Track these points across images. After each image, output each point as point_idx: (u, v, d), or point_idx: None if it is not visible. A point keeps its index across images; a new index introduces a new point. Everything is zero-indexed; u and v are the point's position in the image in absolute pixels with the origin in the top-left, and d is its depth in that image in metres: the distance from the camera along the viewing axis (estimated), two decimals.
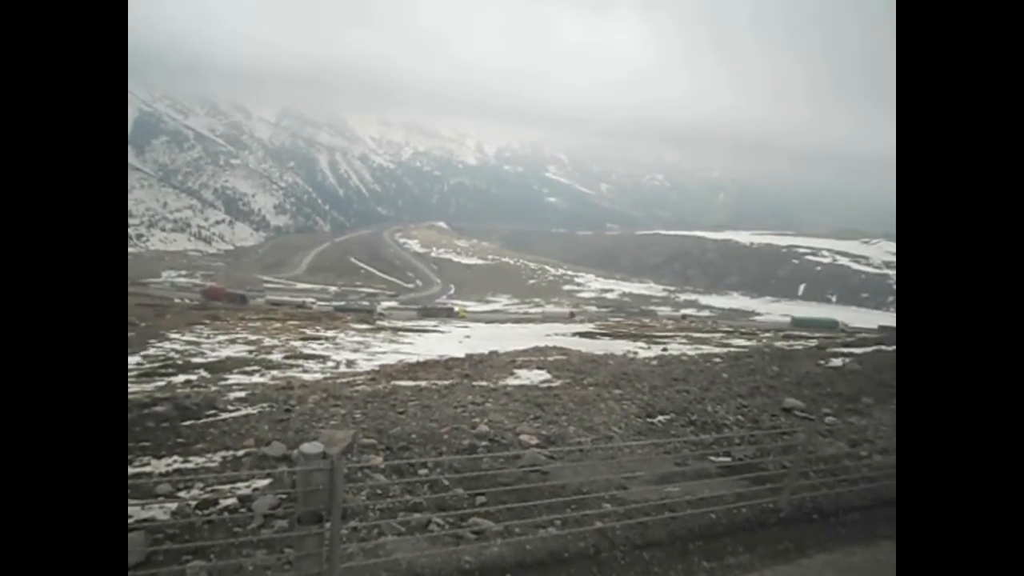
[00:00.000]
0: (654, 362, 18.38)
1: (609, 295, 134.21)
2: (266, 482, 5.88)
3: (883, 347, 19.73)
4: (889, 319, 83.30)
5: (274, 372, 20.41)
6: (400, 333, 42.70)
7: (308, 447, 3.71)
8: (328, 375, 19.77)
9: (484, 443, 7.30)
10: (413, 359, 22.65)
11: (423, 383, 12.53)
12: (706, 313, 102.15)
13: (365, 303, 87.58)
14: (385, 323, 53.41)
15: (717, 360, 17.55)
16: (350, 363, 24.58)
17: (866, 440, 8.78)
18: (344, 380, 15.45)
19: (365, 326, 46.47)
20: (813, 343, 28.32)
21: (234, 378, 18.84)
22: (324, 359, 25.59)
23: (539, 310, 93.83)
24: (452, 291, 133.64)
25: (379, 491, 5.71)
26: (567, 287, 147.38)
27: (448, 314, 77.81)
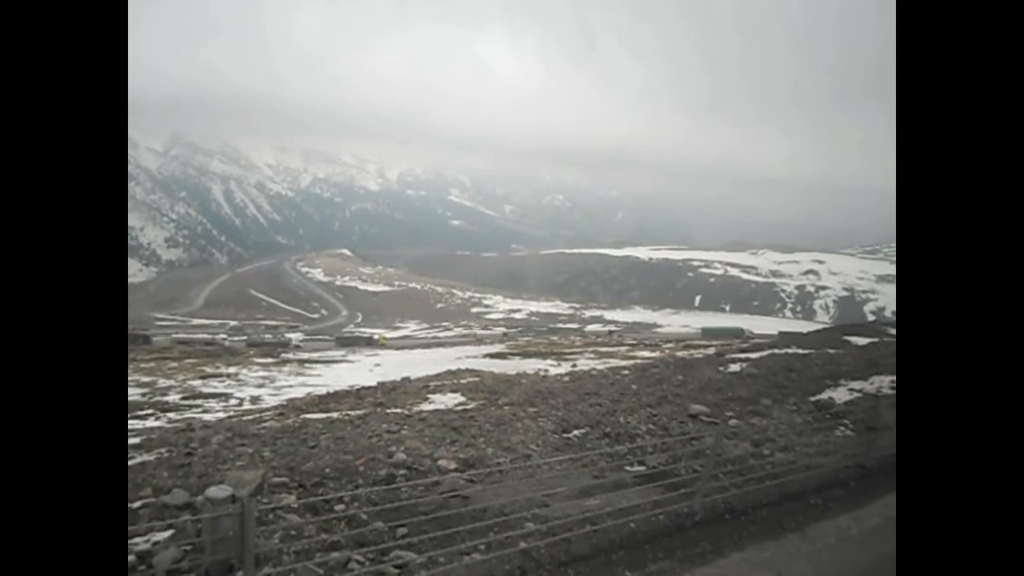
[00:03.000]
0: (566, 378, 18.66)
1: (517, 315, 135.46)
2: (167, 534, 5.45)
3: (775, 351, 20.98)
4: (785, 325, 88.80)
5: (171, 414, 19.11)
6: (307, 365, 41.22)
7: (214, 491, 3.49)
8: (232, 413, 18.74)
9: (402, 472, 7.12)
10: (323, 391, 21.88)
11: (335, 414, 12.10)
12: (622, 328, 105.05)
13: (282, 336, 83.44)
14: (290, 355, 51.33)
15: (625, 372, 18.04)
16: (255, 399, 23.45)
17: (768, 439, 9.26)
18: (250, 417, 14.69)
19: (270, 360, 44.52)
20: (712, 351, 29.70)
21: None
22: (226, 397, 24.28)
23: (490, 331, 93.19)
24: (359, 319, 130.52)
25: (293, 532, 5.43)
26: (475, 309, 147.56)
27: (368, 343, 75.75)
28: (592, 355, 39.57)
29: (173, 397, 23.86)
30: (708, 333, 79.34)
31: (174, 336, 77.34)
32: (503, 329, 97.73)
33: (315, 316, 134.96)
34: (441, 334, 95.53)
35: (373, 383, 21.09)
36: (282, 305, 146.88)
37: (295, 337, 79.04)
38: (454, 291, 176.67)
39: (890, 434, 9.09)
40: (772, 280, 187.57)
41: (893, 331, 26.75)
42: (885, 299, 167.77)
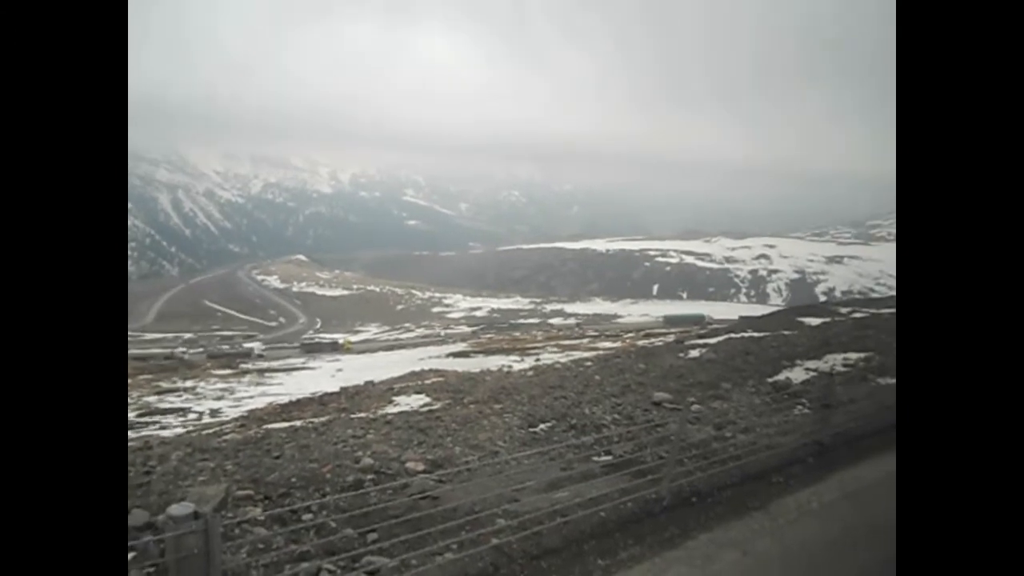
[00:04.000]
0: (530, 373, 18.74)
1: (478, 313, 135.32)
2: (129, 557, 5.30)
3: (733, 335, 21.45)
4: (741, 310, 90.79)
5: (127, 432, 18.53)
6: (268, 374, 40.46)
7: (176, 509, 3.40)
8: (191, 428, 18.28)
9: (370, 477, 7.06)
10: (285, 399, 21.52)
11: (298, 423, 11.91)
12: (583, 320, 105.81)
13: (241, 345, 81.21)
14: (250, 365, 50.26)
15: (588, 364, 18.20)
16: (215, 412, 22.94)
17: (729, 422, 9.47)
18: (210, 431, 14.34)
19: (228, 371, 43.51)
20: (671, 338, 30.19)
21: None
22: (184, 411, 23.70)
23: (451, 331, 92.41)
24: (319, 325, 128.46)
25: (261, 545, 5.33)
26: (436, 309, 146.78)
27: (333, 347, 74.51)
28: (555, 348, 39.84)
29: (128, 415, 23.14)
30: (670, 321, 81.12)
31: (132, 352, 74.90)
32: (471, 328, 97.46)
33: (273, 324, 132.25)
34: (403, 336, 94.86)
35: (336, 389, 20.83)
36: (238, 315, 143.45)
37: (257, 346, 77.20)
38: (414, 292, 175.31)
39: (844, 410, 9.41)
40: (726, 266, 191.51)
41: (844, 310, 27.62)
42: (835, 279, 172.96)
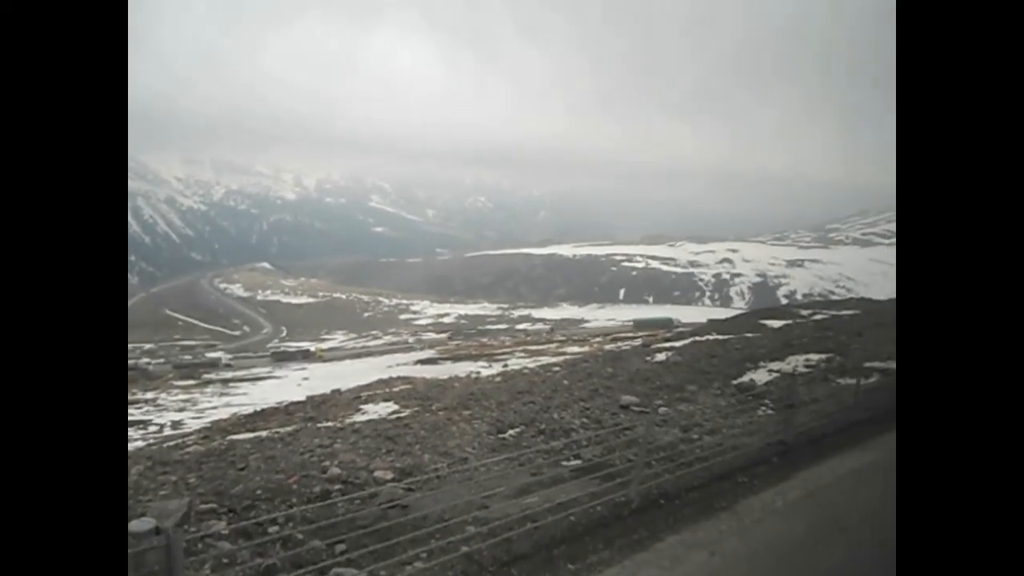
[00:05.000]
0: (498, 379, 18.70)
1: (446, 319, 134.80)
2: None
3: (698, 338, 21.77)
4: (706, 313, 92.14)
5: None
6: (231, 384, 39.65)
7: (136, 525, 3.31)
8: (152, 441, 17.80)
9: (337, 487, 6.97)
10: (249, 410, 21.10)
11: (263, 433, 11.68)
12: (552, 324, 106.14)
13: (204, 356, 79.06)
14: (213, 376, 49.19)
15: (557, 369, 18.27)
16: (176, 424, 22.38)
17: (696, 424, 9.60)
18: (172, 443, 13.98)
19: (191, 382, 42.53)
20: (638, 342, 30.49)
21: None
22: (144, 424, 23.07)
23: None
24: (284, 334, 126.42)
25: (225, 560, 5.21)
26: (403, 316, 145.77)
27: (305, 356, 73.20)
28: (523, 354, 39.88)
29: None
30: (639, 325, 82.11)
31: None
32: (443, 334, 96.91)
33: (236, 333, 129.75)
34: (370, 343, 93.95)
35: (302, 398, 20.51)
36: (201, 324, 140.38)
37: (224, 356, 75.38)
38: (381, 299, 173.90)
39: (806, 410, 9.61)
40: (691, 270, 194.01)
41: (805, 313, 28.24)
42: (795, 283, 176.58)
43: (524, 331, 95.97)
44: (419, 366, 38.70)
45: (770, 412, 10.20)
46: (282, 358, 72.89)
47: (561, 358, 28.14)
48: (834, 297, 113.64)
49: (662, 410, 10.65)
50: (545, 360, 29.12)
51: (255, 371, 53.57)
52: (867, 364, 12.85)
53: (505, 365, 31.05)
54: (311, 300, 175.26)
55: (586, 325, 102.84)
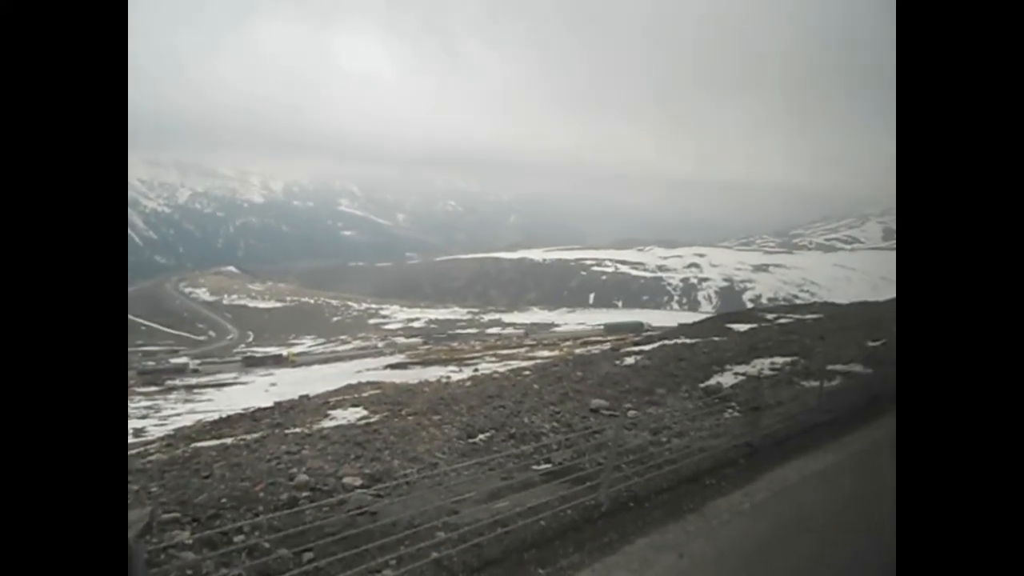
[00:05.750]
0: (468, 383, 18.65)
1: (416, 324, 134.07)
2: None
3: (666, 342, 22.00)
4: (675, 317, 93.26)
5: None
6: (196, 391, 38.87)
7: None
8: None
9: (305, 494, 6.86)
10: (214, 416, 20.67)
11: (229, 440, 11.45)
12: (523, 328, 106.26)
13: (167, 361, 76.95)
14: (177, 382, 48.13)
15: (527, 373, 18.28)
16: (138, 432, 21.84)
17: (664, 427, 9.70)
18: (133, 452, 13.62)
19: (153, 388, 41.55)
20: (607, 346, 30.69)
21: None
22: None
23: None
24: (251, 339, 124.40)
25: (189, 571, 5.09)
26: (373, 320, 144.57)
27: (277, 361, 71.94)
28: (493, 358, 39.86)
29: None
30: (610, 328, 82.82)
31: None
32: (416, 338, 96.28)
33: (202, 338, 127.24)
34: (339, 348, 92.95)
35: (269, 404, 20.17)
36: (164, 329, 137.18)
37: (190, 361, 73.65)
38: (350, 303, 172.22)
39: (772, 412, 9.78)
40: (659, 275, 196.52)
41: (770, 316, 28.74)
42: (761, 287, 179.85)
43: (497, 335, 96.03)
44: (389, 371, 38.41)
45: (737, 414, 10.36)
46: (253, 363, 71.74)
47: (531, 362, 28.18)
48: (798, 301, 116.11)
49: (631, 413, 10.74)
50: (515, 364, 29.13)
51: (220, 377, 52.63)
52: (830, 367, 13.13)
53: (475, 369, 30.98)
54: (279, 304, 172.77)
55: (556, 329, 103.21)
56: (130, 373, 64.12)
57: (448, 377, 26.05)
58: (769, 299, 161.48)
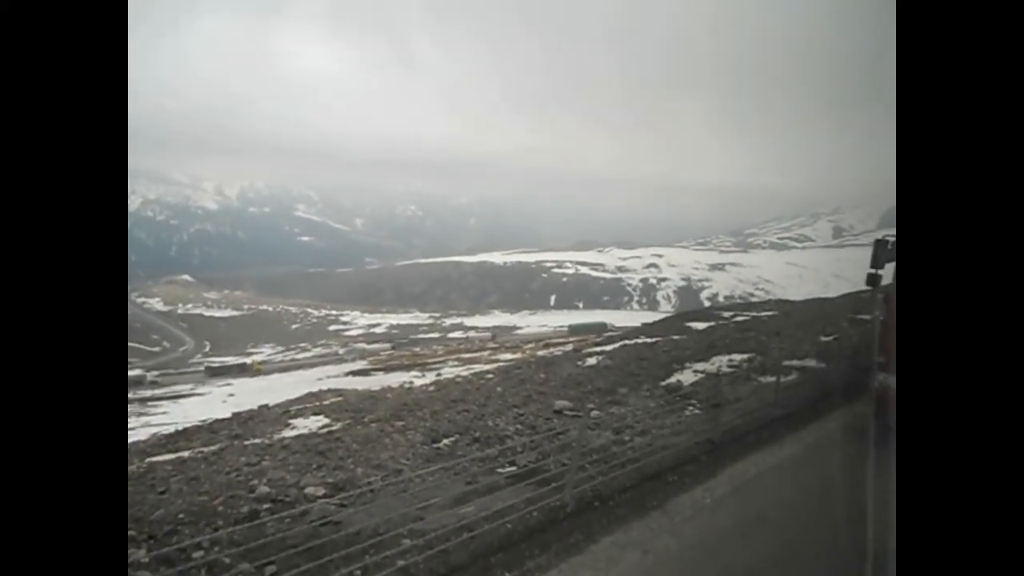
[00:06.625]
0: (431, 388, 18.56)
1: (377, 330, 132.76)
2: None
3: (627, 342, 22.27)
4: (639, 317, 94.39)
5: None
6: (150, 403, 37.72)
7: None
8: None
9: (266, 506, 6.73)
10: (170, 429, 20.09)
11: (186, 453, 11.15)
12: (486, 331, 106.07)
13: (134, 373, 74.05)
14: (131, 395, 46.61)
15: (490, 376, 18.29)
16: None
17: (627, 426, 9.80)
18: None
19: None
20: (570, 347, 30.90)
21: None
22: None
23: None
24: (207, 348, 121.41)
25: None
26: (333, 327, 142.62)
27: (241, 370, 70.08)
28: (456, 362, 39.71)
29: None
30: (574, 329, 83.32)
31: None
32: (377, 344, 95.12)
33: (156, 350, 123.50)
34: (299, 356, 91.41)
35: (227, 415, 19.71)
36: None
37: (147, 374, 71.12)
38: (309, 310, 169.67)
39: (731, 408, 9.98)
40: (619, 275, 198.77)
41: (727, 315, 29.34)
42: (718, 286, 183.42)
43: (465, 338, 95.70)
44: (351, 378, 37.94)
45: (697, 411, 10.54)
46: (216, 372, 69.90)
47: (494, 365, 28.17)
48: (754, 299, 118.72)
49: (594, 413, 10.83)
50: (479, 368, 29.09)
51: (176, 388, 51.15)
52: (786, 362, 13.46)
53: (439, 374, 30.81)
54: (236, 313, 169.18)
55: (519, 332, 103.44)
56: None
57: (411, 382, 25.89)
58: (726, 297, 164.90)
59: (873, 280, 7.98)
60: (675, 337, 21.62)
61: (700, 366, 14.81)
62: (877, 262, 7.84)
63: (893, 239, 7.77)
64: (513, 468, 7.91)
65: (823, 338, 16.99)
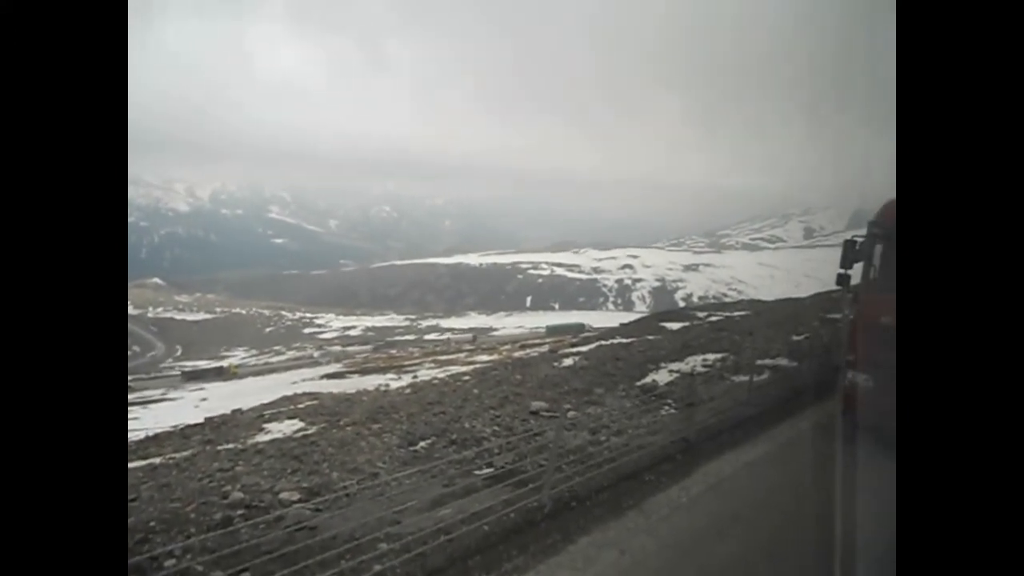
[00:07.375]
0: (407, 391, 18.48)
1: (352, 332, 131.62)
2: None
3: (603, 342, 22.39)
4: (615, 318, 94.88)
5: None
6: None
7: None
8: None
9: (240, 512, 6.63)
10: (140, 435, 19.71)
11: (157, 460, 10.96)
12: (463, 333, 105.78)
13: None
14: None
15: (467, 378, 18.26)
16: None
17: (603, 426, 9.85)
18: None
19: None
20: (546, 348, 30.98)
21: None
22: None
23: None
24: (179, 352, 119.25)
25: None
26: (308, 330, 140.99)
27: (218, 373, 68.89)
28: (432, 364, 39.56)
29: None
30: (552, 330, 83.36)
31: None
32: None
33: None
34: (273, 359, 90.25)
35: (200, 420, 19.39)
36: None
37: (129, 378, 69.68)
38: (283, 313, 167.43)
39: (705, 407, 10.09)
40: (594, 276, 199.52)
41: (701, 315, 29.65)
42: (692, 286, 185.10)
43: (443, 340, 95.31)
44: (326, 380, 37.54)
45: (673, 411, 10.63)
46: (192, 376, 68.70)
47: (471, 367, 28.13)
48: (727, 299, 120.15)
49: (571, 414, 10.87)
50: (455, 370, 29.03)
51: (147, 393, 50.15)
52: (758, 362, 13.64)
53: (415, 376, 30.66)
54: (208, 316, 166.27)
55: (495, 333, 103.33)
56: None
57: (387, 385, 25.72)
58: (700, 297, 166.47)
59: (843, 280, 8.15)
60: (650, 337, 21.79)
61: (675, 366, 14.95)
62: (846, 262, 8.03)
63: (861, 239, 7.97)
64: (490, 470, 7.90)
65: (794, 337, 17.26)
